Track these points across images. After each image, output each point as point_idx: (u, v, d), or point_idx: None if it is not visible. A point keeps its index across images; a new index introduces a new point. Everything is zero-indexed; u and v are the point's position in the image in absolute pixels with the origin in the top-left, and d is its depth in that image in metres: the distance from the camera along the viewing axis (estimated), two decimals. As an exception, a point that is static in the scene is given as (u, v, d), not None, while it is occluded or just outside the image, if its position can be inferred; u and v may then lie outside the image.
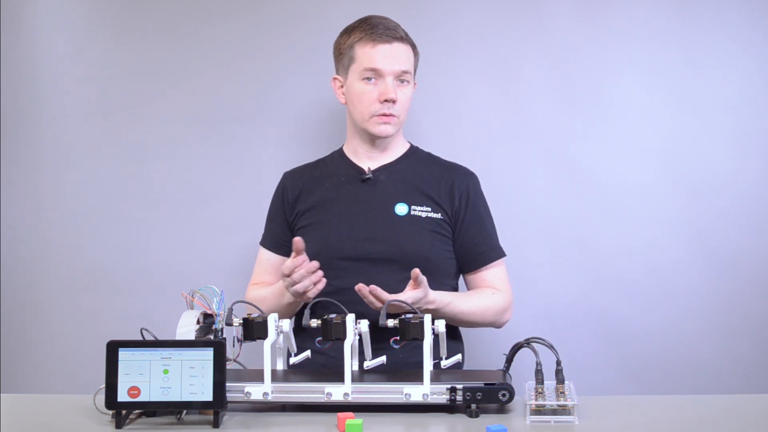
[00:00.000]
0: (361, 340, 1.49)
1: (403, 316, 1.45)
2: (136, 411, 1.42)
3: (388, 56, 1.88)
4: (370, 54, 1.89)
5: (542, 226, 2.33)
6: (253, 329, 1.46)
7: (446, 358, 1.49)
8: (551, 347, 1.42)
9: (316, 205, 1.94)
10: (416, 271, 1.64)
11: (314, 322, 1.47)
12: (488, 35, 2.35)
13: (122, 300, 2.37)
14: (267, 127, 2.39)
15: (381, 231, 1.87)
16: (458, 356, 1.52)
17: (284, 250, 1.95)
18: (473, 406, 1.41)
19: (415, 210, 1.90)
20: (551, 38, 2.33)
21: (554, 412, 1.37)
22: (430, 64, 2.35)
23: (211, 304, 1.49)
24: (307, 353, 1.54)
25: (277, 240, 1.99)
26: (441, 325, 1.45)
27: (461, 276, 1.99)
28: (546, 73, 2.33)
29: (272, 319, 1.46)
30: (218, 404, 1.37)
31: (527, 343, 1.44)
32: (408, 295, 1.64)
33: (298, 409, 1.46)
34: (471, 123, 2.35)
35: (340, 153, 2.04)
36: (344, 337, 1.44)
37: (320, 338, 1.47)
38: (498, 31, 2.34)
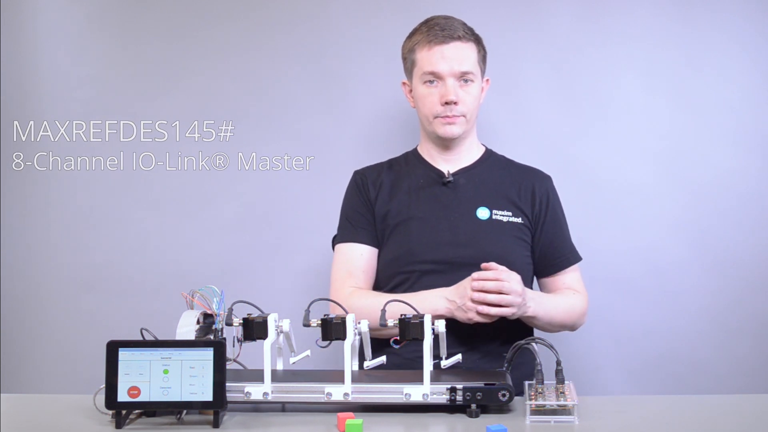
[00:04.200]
0: (361, 340, 1.49)
1: (403, 316, 1.45)
2: (136, 411, 1.42)
3: (447, 57, 1.85)
4: (428, 57, 1.87)
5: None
6: (253, 329, 1.46)
7: (444, 358, 1.49)
8: (551, 347, 1.42)
9: (396, 208, 1.90)
10: (487, 264, 1.67)
11: (314, 322, 1.47)
12: (488, 35, 2.34)
13: (122, 300, 2.37)
14: (267, 127, 2.39)
15: (463, 235, 1.84)
16: (458, 356, 1.51)
17: (377, 244, 1.91)
18: (473, 406, 1.41)
19: (496, 214, 1.88)
20: (551, 38, 2.33)
21: (554, 412, 1.37)
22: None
23: (211, 304, 1.49)
24: (307, 353, 1.54)
25: (371, 233, 1.90)
26: (441, 325, 1.45)
27: (537, 281, 1.97)
28: (546, 73, 2.33)
29: (272, 319, 1.46)
30: (218, 404, 1.37)
31: (527, 343, 1.44)
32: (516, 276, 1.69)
33: (298, 409, 1.46)
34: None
35: (415, 154, 2.00)
36: (344, 337, 1.44)
37: (319, 339, 1.47)
38: (498, 31, 2.34)
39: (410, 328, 1.43)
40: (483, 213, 1.88)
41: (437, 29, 1.87)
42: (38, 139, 2.42)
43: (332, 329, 1.45)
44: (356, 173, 2.00)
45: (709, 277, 2.29)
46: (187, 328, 1.45)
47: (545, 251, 1.92)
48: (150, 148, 2.40)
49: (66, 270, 2.41)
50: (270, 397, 1.43)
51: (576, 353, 2.20)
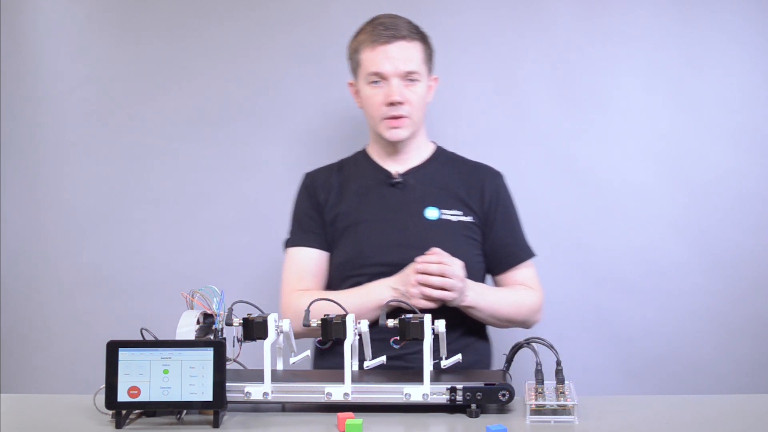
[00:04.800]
0: (361, 340, 1.49)
1: (403, 316, 1.44)
2: (136, 411, 1.42)
3: (391, 57, 1.85)
4: (372, 57, 1.86)
5: (542, 226, 2.32)
6: (253, 329, 1.46)
7: (444, 358, 1.49)
8: (551, 347, 1.42)
9: (345, 211, 1.90)
10: (431, 250, 1.69)
11: (314, 322, 1.47)
12: (488, 35, 2.35)
13: (122, 300, 2.37)
14: (267, 127, 2.39)
15: (413, 236, 1.84)
16: (458, 356, 1.51)
17: (327, 248, 1.91)
18: (473, 406, 1.41)
19: (445, 214, 1.88)
20: (551, 38, 2.33)
21: (554, 412, 1.37)
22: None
23: (211, 304, 1.49)
24: (307, 353, 1.54)
25: (320, 236, 1.91)
26: (441, 325, 1.45)
27: (491, 279, 1.97)
28: (546, 73, 2.33)
29: (272, 319, 1.46)
30: (218, 404, 1.37)
31: (527, 343, 1.44)
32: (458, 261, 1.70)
33: (298, 409, 1.46)
34: (471, 123, 2.35)
35: (364, 155, 2.00)
36: (344, 337, 1.44)
37: (320, 338, 1.47)
38: (498, 31, 2.34)
39: (410, 328, 1.43)
40: (432, 213, 1.88)
41: (381, 29, 1.86)
42: (38, 139, 2.42)
43: (332, 329, 1.45)
44: (306, 176, 2.00)
45: (709, 277, 2.29)
46: (187, 328, 1.45)
47: (496, 249, 1.91)
48: (150, 148, 2.40)
49: (66, 270, 2.41)
50: (270, 397, 1.43)
51: (576, 353, 2.19)
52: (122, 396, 1.37)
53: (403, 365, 1.69)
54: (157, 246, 2.39)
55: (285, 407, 1.48)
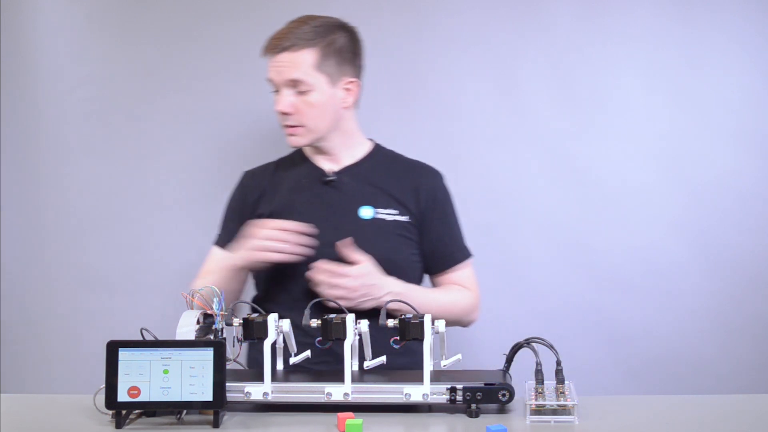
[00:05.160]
0: (361, 340, 1.49)
1: (403, 316, 1.45)
2: (136, 411, 1.42)
3: (277, 66, 1.82)
4: (268, 65, 1.85)
5: (542, 225, 2.33)
6: (253, 329, 1.46)
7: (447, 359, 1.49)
8: (551, 347, 1.42)
9: (279, 210, 1.88)
10: (343, 242, 1.73)
11: (314, 322, 1.47)
12: (488, 35, 2.35)
13: (122, 300, 2.37)
14: (267, 126, 2.38)
15: (346, 236, 1.81)
16: (458, 356, 1.51)
17: None
18: (473, 406, 1.41)
19: (380, 213, 1.86)
20: (551, 38, 2.33)
21: (554, 412, 1.37)
22: (431, 64, 2.36)
23: (211, 304, 1.49)
24: (307, 353, 1.54)
25: (235, 240, 1.89)
26: (441, 325, 1.45)
27: (429, 279, 1.96)
28: (546, 73, 2.33)
29: (272, 319, 1.46)
30: (218, 404, 1.37)
31: (527, 343, 1.44)
32: (352, 269, 1.72)
33: (298, 409, 1.46)
34: (471, 123, 2.35)
35: (300, 153, 1.98)
36: (344, 337, 1.44)
37: (320, 338, 1.47)
38: (498, 31, 2.34)
39: (410, 328, 1.43)
40: (366, 212, 1.86)
41: (275, 37, 1.84)
42: (38, 139, 2.42)
43: (332, 329, 1.45)
44: (244, 175, 1.99)
45: (710, 277, 2.29)
46: (187, 328, 1.45)
47: (433, 249, 1.90)
48: (150, 148, 2.41)
49: (66, 270, 2.41)
50: (270, 397, 1.43)
51: (576, 353, 2.19)
52: (122, 396, 1.37)
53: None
54: (157, 246, 2.39)
55: (285, 407, 1.48)
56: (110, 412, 1.39)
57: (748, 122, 2.29)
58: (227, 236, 1.92)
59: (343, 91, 1.88)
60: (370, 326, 1.47)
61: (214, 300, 1.49)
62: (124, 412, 1.39)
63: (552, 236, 2.32)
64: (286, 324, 1.49)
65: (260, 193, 1.93)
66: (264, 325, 1.46)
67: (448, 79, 2.35)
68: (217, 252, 1.93)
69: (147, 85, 2.40)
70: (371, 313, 1.71)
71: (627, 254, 2.31)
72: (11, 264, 2.42)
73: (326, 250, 1.79)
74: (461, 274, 1.93)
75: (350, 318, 1.45)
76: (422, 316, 1.44)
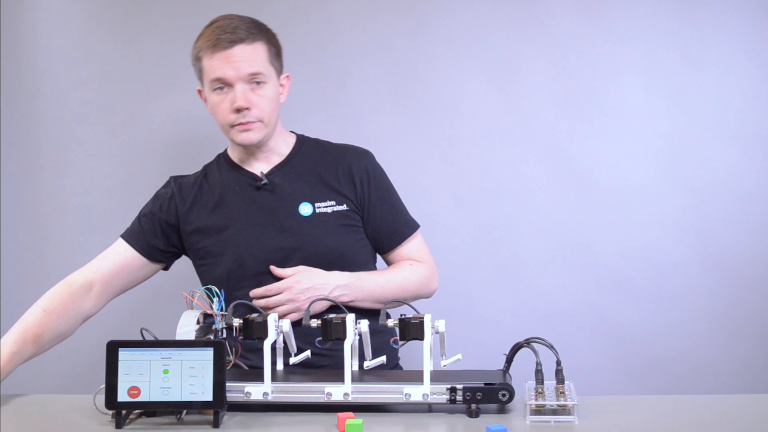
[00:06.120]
0: (361, 340, 1.49)
1: (402, 316, 1.44)
2: (136, 411, 1.42)
3: (231, 62, 1.77)
4: (213, 63, 1.78)
5: (542, 226, 2.33)
6: (253, 329, 1.46)
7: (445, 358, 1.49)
8: (551, 347, 1.42)
9: (216, 222, 1.85)
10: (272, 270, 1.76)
11: (314, 323, 1.47)
12: (488, 35, 2.35)
13: (122, 300, 2.37)
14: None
15: (291, 236, 1.80)
16: (458, 356, 1.51)
17: (148, 253, 1.88)
18: (473, 406, 1.41)
19: (319, 207, 1.84)
20: (551, 38, 2.33)
21: (554, 412, 1.37)
22: (430, 64, 2.36)
23: (211, 304, 1.49)
24: (307, 353, 1.54)
25: (144, 241, 1.88)
26: (441, 325, 1.45)
27: (381, 258, 1.95)
28: (546, 73, 2.33)
29: (272, 319, 1.46)
30: (218, 404, 1.37)
31: (527, 343, 1.44)
32: (280, 283, 1.74)
33: (298, 409, 1.46)
34: (471, 123, 2.35)
35: (226, 158, 1.94)
36: (344, 337, 1.44)
37: (320, 338, 1.47)
38: (498, 31, 2.34)
39: (410, 328, 1.43)
40: (306, 209, 1.83)
41: (219, 32, 1.78)
42: (38, 139, 2.42)
43: (332, 329, 1.45)
44: (172, 181, 1.94)
45: (710, 277, 2.29)
46: (187, 328, 1.45)
47: (379, 229, 1.88)
48: (149, 148, 2.40)
49: (66, 270, 2.40)
50: (270, 397, 1.43)
51: (576, 353, 2.20)
52: (122, 396, 1.37)
53: (324, 363, 1.72)
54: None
55: (285, 407, 1.48)
56: (110, 412, 1.39)
57: (748, 122, 2.29)
58: (139, 235, 1.89)
59: (280, 86, 1.88)
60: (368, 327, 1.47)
61: (214, 300, 1.49)
62: (124, 412, 1.39)
63: (552, 236, 2.32)
64: (286, 324, 1.49)
65: (190, 204, 1.88)
66: (264, 325, 1.46)
67: (447, 79, 2.35)
68: (121, 244, 1.89)
69: (147, 85, 2.40)
70: (371, 313, 1.71)
71: (627, 254, 2.31)
72: (11, 264, 2.42)
73: (274, 254, 1.80)
74: (411, 246, 1.91)
75: (350, 318, 1.45)
76: (422, 316, 1.44)
